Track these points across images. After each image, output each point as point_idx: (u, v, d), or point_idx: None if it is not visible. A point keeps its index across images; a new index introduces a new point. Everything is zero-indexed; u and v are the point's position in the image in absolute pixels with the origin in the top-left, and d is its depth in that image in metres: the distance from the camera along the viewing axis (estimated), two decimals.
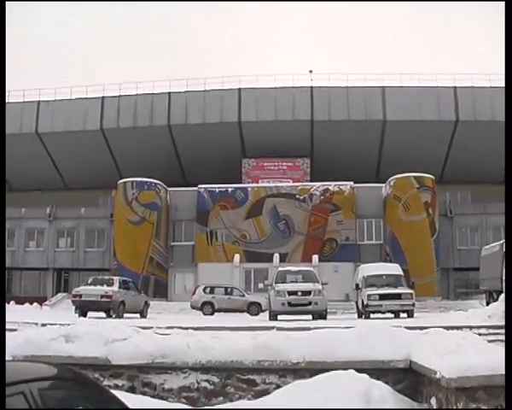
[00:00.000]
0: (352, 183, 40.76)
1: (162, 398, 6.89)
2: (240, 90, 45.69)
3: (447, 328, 8.22)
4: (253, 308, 28.74)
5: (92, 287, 22.56)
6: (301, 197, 40.67)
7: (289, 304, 19.64)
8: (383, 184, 40.72)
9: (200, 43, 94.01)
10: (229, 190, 41.42)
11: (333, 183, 40.96)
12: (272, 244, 39.78)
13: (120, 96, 46.57)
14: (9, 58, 42.15)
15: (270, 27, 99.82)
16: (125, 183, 40.99)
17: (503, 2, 7.54)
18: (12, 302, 30.68)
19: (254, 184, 43.22)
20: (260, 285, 37.06)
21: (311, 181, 43.65)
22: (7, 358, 5.12)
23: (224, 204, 40.99)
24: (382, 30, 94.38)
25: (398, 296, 20.73)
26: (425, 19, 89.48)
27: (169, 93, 46.09)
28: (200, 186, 41.53)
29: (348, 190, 40.66)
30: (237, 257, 39.59)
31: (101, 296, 21.79)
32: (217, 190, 41.37)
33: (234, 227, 40.50)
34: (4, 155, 25.94)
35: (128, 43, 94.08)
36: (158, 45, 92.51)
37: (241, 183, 44.26)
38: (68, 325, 8.80)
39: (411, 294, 20.91)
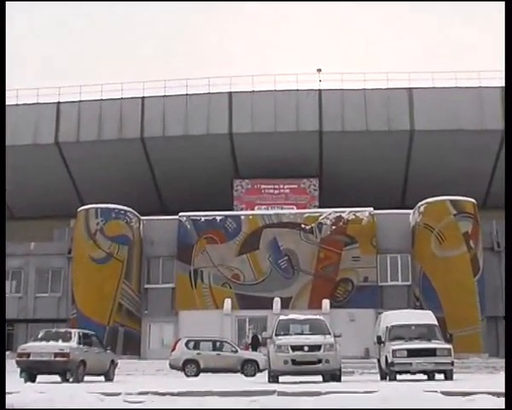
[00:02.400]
0: (371, 209, 40.80)
1: None
2: (231, 94, 45.81)
3: (497, 394, 8.05)
4: (249, 367, 28.54)
5: (44, 343, 22.17)
6: (308, 227, 40.63)
7: (293, 362, 19.43)
8: (411, 211, 40.72)
9: (189, 41, 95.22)
10: (218, 218, 41.33)
11: (347, 209, 40.97)
12: (272, 286, 39.62)
13: (81, 101, 46.60)
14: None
15: (269, 24, 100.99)
16: (86, 210, 40.85)
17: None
18: None
19: (249, 212, 43.17)
20: None
21: (320, 207, 43.60)
22: None
23: (211, 236, 40.88)
24: (397, 23, 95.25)
25: (431, 352, 20.53)
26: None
27: (142, 98, 46.19)
28: (181, 214, 41.47)
29: (367, 218, 40.62)
30: (228, 303, 39.37)
31: (56, 355, 21.43)
32: (202, 218, 41.28)
33: (224, 265, 40.36)
34: (4, 159, 27.56)
35: (105, 38, 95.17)
36: (138, 42, 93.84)
37: (232, 210, 44.14)
38: (11, 393, 8.59)
39: (449, 349, 20.71)
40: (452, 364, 20.57)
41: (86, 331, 24.95)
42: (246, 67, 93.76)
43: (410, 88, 44.84)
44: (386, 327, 22.62)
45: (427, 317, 23.95)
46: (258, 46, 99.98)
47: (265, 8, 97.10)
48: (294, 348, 19.60)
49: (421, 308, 34.60)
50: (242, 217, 41.67)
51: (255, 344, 33.35)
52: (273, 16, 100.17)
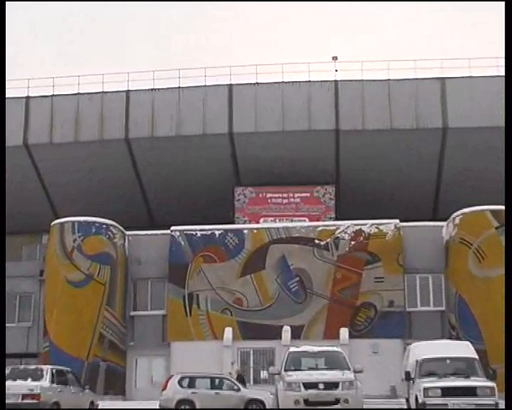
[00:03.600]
0: (397, 221, 40.55)
1: None
2: (231, 86, 45.78)
3: None
4: (253, 409, 28.54)
5: (10, 382, 22.10)
6: (322, 243, 40.44)
7: (306, 402, 19.45)
8: (444, 223, 40.49)
9: (184, 29, 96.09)
10: (217, 233, 41.14)
11: (369, 221, 40.76)
12: (281, 313, 39.39)
13: (54, 95, 46.48)
14: None
15: (275, 10, 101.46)
16: (61, 224, 40.63)
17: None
18: None
19: (253, 225, 43.10)
20: (264, 374, 36.88)
21: (337, 219, 43.56)
22: None
23: (208, 254, 40.69)
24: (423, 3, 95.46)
25: (471, 392, 20.37)
26: None
27: (127, 91, 46.11)
28: (173, 228, 41.30)
29: (392, 232, 40.40)
30: (229, 332, 39.14)
31: (24, 396, 21.41)
32: (198, 233, 41.13)
33: (224, 288, 40.14)
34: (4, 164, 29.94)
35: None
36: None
37: (233, 223, 44.14)
38: None
39: (492, 388, 20.53)
40: (497, 405, 20.37)
41: (61, 368, 24.97)
42: (249, 56, 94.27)
43: (443, 78, 44.60)
44: (417, 361, 22.57)
45: (464, 349, 23.92)
46: (262, 34, 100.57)
47: None
48: (307, 385, 19.58)
49: (458, 339, 34.50)
50: (245, 231, 41.43)
51: None
52: (279, 2, 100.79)
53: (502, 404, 19.64)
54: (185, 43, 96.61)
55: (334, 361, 20.98)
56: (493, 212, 38.44)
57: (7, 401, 21.09)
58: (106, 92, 46.32)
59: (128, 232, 41.75)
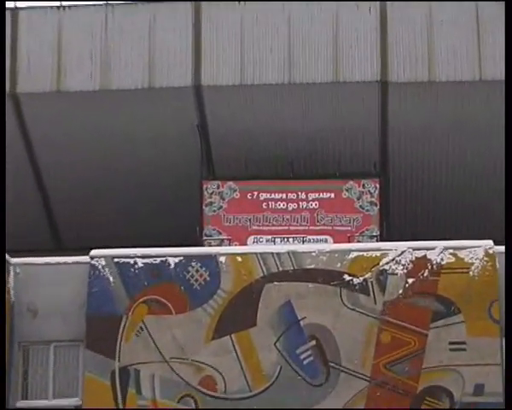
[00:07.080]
0: (490, 243, 38.41)
1: None
2: (199, 4, 44.46)
3: None
4: None
5: None
6: (358, 281, 38.43)
7: None
8: None
9: None
10: (172, 262, 39.13)
11: (440, 243, 38.71)
12: (284, 402, 37.12)
13: None
14: None
15: None
16: None
17: None
18: None
19: (236, 248, 41.56)
20: None
21: (383, 239, 42.54)
22: None
23: (157, 299, 38.64)
24: None
25: None
26: None
27: (13, 10, 44.77)
28: (94, 253, 39.16)
29: (480, 262, 38.39)
30: None
31: None
32: (139, 262, 39.11)
33: (184, 360, 38.07)
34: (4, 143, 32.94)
35: None
36: None
37: (201, 244, 42.75)
38: None
39: None
40: None
41: None
42: None
43: None
44: None
45: None
46: None
47: None
48: None
49: None
50: (222, 258, 39.24)
51: None
52: None
53: None
54: None
55: None
56: None
57: None
58: None
59: (15, 260, 39.57)
